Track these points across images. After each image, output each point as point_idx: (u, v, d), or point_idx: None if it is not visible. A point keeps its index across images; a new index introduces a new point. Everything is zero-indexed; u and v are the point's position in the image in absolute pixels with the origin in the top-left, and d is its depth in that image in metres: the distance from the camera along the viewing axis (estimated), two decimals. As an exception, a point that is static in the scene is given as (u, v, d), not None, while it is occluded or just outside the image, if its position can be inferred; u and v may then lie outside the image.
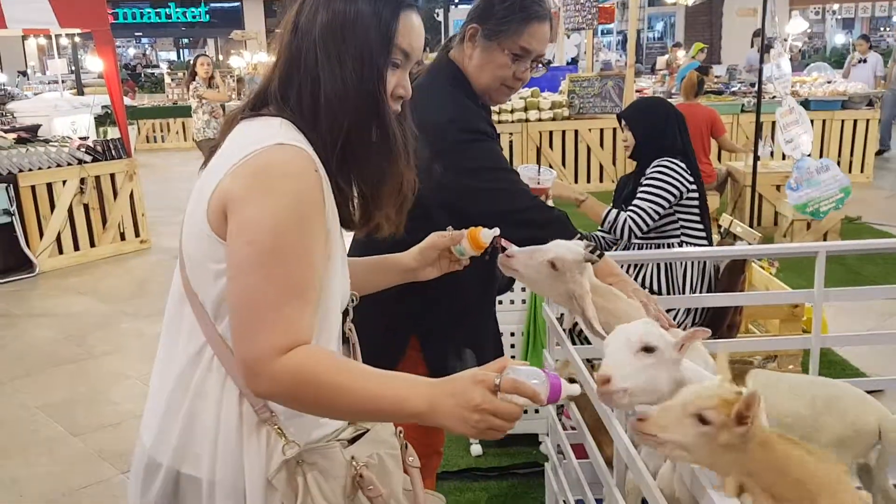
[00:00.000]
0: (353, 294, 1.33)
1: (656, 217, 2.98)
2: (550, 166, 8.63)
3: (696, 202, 3.06)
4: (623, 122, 3.18)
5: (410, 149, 1.29)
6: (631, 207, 2.97)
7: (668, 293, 3.00)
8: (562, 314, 2.65)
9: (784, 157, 6.87)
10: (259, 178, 1.09)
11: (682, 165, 3.02)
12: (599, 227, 3.17)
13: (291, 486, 1.13)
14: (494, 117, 8.09)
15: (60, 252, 6.30)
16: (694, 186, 3.04)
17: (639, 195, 3.00)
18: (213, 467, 1.14)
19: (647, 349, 1.30)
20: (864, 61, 10.41)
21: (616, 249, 3.11)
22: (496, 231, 1.47)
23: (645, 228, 2.96)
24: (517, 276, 1.77)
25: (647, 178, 3.01)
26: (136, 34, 25.20)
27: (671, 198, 2.98)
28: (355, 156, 1.20)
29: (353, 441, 1.22)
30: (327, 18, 1.18)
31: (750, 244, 3.45)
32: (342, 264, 1.25)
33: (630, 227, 2.92)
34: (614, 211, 2.96)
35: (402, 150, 1.24)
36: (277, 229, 1.07)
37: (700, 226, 3.08)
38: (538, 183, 2.13)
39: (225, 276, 1.12)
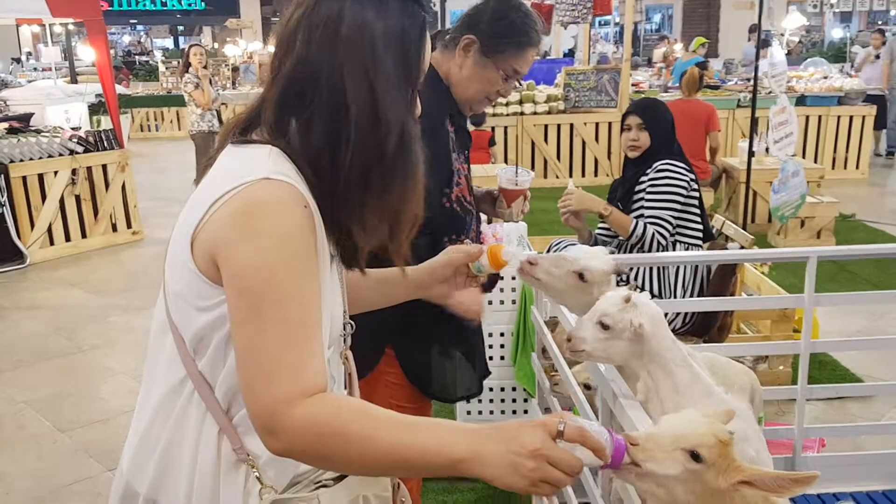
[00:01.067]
0: (350, 322, 1.27)
1: (674, 221, 2.97)
2: (546, 160, 8.63)
3: (694, 200, 3.05)
4: (640, 123, 3.08)
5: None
6: (650, 220, 2.94)
7: (661, 294, 2.99)
8: (552, 317, 2.65)
9: (779, 153, 6.86)
10: (245, 220, 1.03)
11: (684, 166, 3.01)
12: (599, 226, 3.14)
13: None
14: (490, 109, 8.14)
15: (51, 243, 6.26)
16: (695, 185, 3.03)
17: (651, 203, 2.97)
18: (188, 502, 1.11)
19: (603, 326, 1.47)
20: (878, 57, 10.06)
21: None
22: (521, 249, 1.42)
23: (668, 236, 2.95)
24: (537, 284, 1.72)
25: (653, 184, 2.98)
26: (131, 21, 25.00)
27: (680, 198, 2.98)
28: (378, 191, 1.10)
29: (341, 478, 1.17)
30: (354, 34, 1.07)
31: (742, 246, 3.44)
32: (330, 297, 1.17)
33: (658, 239, 2.92)
34: (641, 224, 2.93)
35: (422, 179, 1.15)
36: (266, 273, 1.01)
37: (698, 225, 3.07)
38: (516, 184, 2.10)
39: (207, 312, 1.08)
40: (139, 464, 1.16)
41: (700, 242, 3.10)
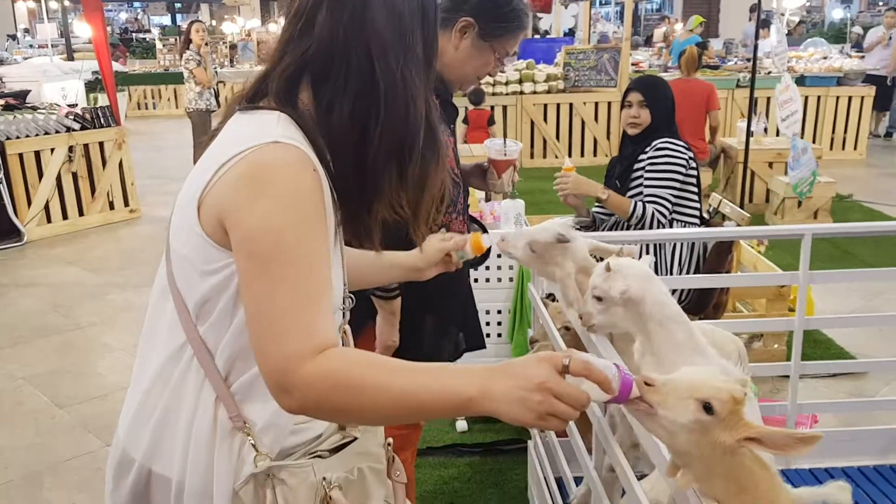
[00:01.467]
0: (350, 297, 1.28)
1: (673, 199, 2.96)
2: (545, 140, 8.61)
3: (693, 179, 3.04)
4: (641, 100, 3.05)
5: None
6: (649, 199, 2.94)
7: (658, 271, 3.00)
8: (549, 294, 2.66)
9: (778, 133, 6.85)
10: (252, 183, 1.03)
11: (683, 144, 3.01)
12: (596, 206, 3.14)
13: (258, 499, 1.10)
14: (489, 89, 8.11)
15: (49, 221, 6.26)
16: (694, 164, 3.03)
17: (651, 181, 2.96)
18: (183, 469, 1.12)
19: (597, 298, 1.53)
20: (892, 38, 9.69)
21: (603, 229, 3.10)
22: (497, 237, 1.57)
23: (668, 215, 2.95)
24: (511, 256, 1.83)
25: (653, 162, 2.97)
26: (128, -2, 24.84)
27: (679, 177, 2.97)
28: (404, 168, 1.13)
29: (336, 450, 1.18)
30: (382, 15, 1.09)
31: (738, 224, 3.44)
32: (334, 269, 1.17)
33: (658, 218, 2.92)
34: (640, 205, 2.93)
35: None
36: (274, 236, 1.01)
37: (696, 203, 3.07)
38: (504, 155, 2.14)
39: (212, 276, 1.09)
40: (136, 431, 1.17)
41: (697, 221, 3.10)
